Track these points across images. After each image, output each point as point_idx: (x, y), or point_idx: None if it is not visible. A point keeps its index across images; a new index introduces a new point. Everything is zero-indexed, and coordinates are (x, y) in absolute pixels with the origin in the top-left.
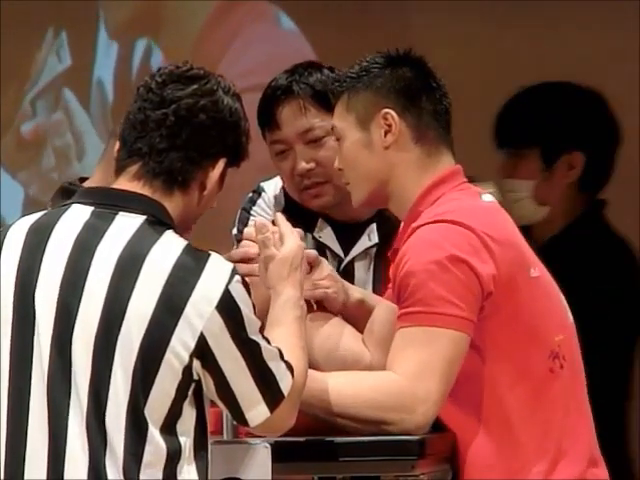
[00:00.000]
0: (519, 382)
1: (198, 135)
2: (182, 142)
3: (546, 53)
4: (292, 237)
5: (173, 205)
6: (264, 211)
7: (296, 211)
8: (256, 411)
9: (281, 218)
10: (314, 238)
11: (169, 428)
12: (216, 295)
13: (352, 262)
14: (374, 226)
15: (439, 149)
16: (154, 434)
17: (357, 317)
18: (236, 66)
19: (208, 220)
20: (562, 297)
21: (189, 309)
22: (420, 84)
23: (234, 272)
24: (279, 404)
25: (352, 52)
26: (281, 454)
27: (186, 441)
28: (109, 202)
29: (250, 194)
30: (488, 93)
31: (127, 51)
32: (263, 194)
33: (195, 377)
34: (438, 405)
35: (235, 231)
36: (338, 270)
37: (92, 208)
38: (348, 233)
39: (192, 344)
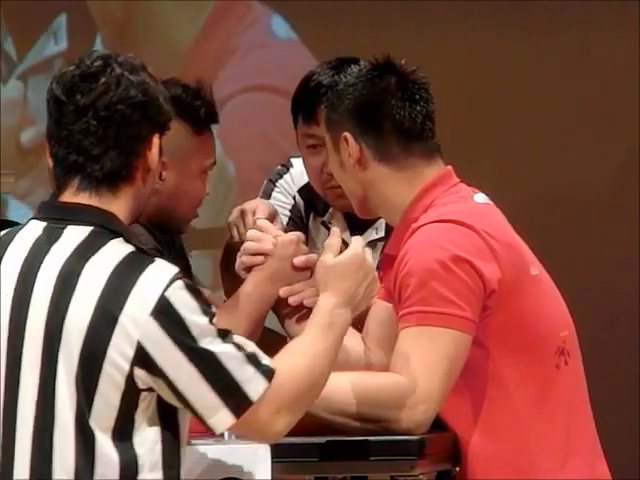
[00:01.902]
0: (526, 379)
1: (125, 127)
2: (113, 141)
3: (546, 53)
4: (352, 247)
5: (123, 201)
6: (289, 185)
7: (313, 194)
8: (218, 418)
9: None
10: (323, 223)
11: (121, 438)
12: (151, 302)
13: None
14: (382, 220)
15: (412, 161)
16: (103, 444)
17: (356, 320)
18: (234, 70)
19: (211, 219)
20: (559, 294)
21: (124, 318)
22: (381, 101)
23: (175, 278)
24: (245, 409)
25: (347, 51)
26: (281, 454)
27: (145, 454)
28: (59, 216)
29: (279, 167)
30: (487, 94)
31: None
32: (291, 169)
33: (142, 386)
34: (438, 404)
35: None
36: None
37: (45, 223)
38: (357, 224)
39: (131, 353)
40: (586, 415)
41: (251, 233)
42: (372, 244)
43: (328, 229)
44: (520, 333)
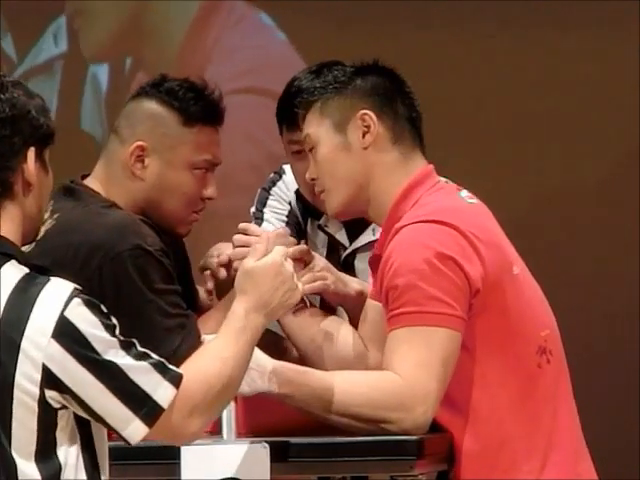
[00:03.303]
0: (508, 379)
1: None
2: None
3: (546, 53)
4: (272, 254)
5: (8, 217)
6: (283, 192)
7: (307, 198)
8: (131, 429)
9: (273, 234)
10: (320, 227)
11: (44, 458)
12: (50, 324)
13: (353, 254)
14: None
15: (414, 151)
16: (25, 470)
17: (357, 307)
18: (222, 71)
19: (205, 221)
20: (541, 292)
21: (26, 343)
22: (393, 89)
23: (73, 295)
24: (157, 417)
25: (335, 48)
26: (280, 454)
27: (69, 467)
28: None
29: (271, 174)
30: (488, 93)
31: (115, 67)
32: (284, 176)
33: (57, 406)
34: (436, 404)
35: (253, 209)
36: (340, 260)
37: None
38: (354, 226)
39: (38, 377)
40: (570, 414)
41: (237, 237)
42: (370, 246)
43: (325, 232)
44: (502, 333)
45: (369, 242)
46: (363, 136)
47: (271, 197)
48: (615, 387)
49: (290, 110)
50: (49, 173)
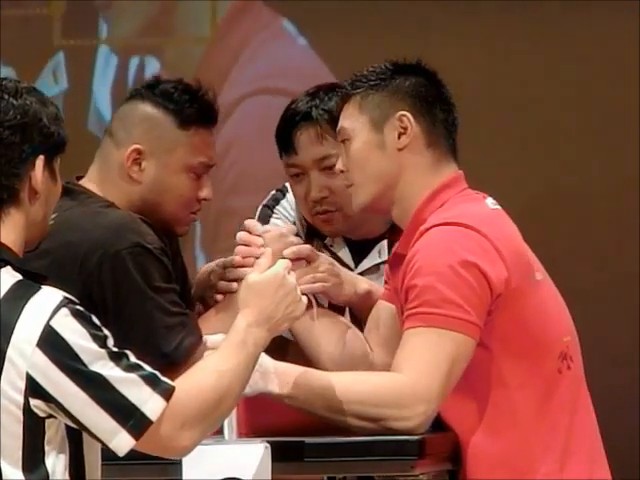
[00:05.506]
0: (529, 382)
1: (4, 149)
2: None
3: (546, 53)
4: (274, 267)
5: (10, 223)
6: (286, 211)
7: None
8: (118, 440)
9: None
10: (325, 246)
11: (31, 467)
12: (36, 333)
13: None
14: (385, 243)
15: (447, 157)
16: (11, 476)
17: (365, 308)
18: (244, 73)
19: (219, 222)
20: (562, 299)
21: (11, 351)
22: (434, 92)
23: (61, 305)
24: (145, 430)
25: (356, 55)
26: (281, 454)
27: (54, 475)
28: None
29: (274, 192)
30: (489, 93)
31: (126, 68)
32: (287, 194)
33: (43, 415)
34: (438, 404)
35: None
36: None
37: None
38: (359, 247)
39: (22, 385)
40: (588, 419)
41: (240, 235)
42: (375, 268)
43: (330, 252)
44: (523, 337)
45: (375, 264)
46: (399, 137)
47: (274, 215)
48: (615, 388)
49: (287, 134)
50: (57, 182)
